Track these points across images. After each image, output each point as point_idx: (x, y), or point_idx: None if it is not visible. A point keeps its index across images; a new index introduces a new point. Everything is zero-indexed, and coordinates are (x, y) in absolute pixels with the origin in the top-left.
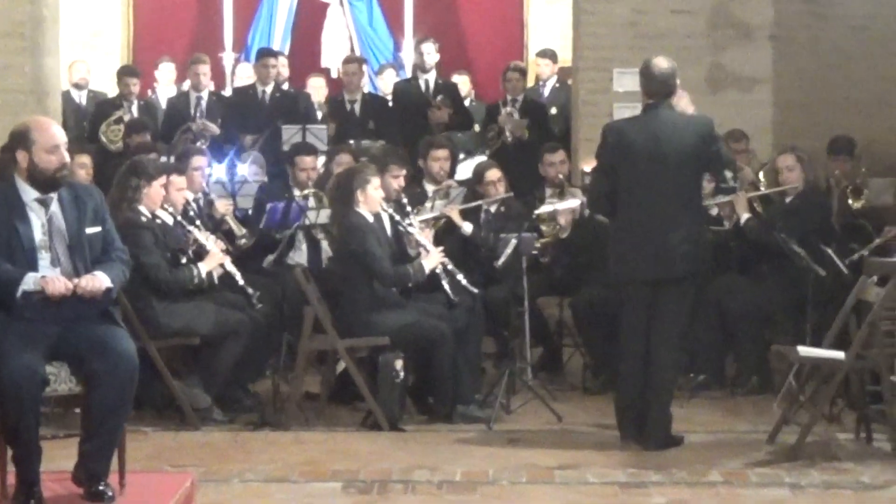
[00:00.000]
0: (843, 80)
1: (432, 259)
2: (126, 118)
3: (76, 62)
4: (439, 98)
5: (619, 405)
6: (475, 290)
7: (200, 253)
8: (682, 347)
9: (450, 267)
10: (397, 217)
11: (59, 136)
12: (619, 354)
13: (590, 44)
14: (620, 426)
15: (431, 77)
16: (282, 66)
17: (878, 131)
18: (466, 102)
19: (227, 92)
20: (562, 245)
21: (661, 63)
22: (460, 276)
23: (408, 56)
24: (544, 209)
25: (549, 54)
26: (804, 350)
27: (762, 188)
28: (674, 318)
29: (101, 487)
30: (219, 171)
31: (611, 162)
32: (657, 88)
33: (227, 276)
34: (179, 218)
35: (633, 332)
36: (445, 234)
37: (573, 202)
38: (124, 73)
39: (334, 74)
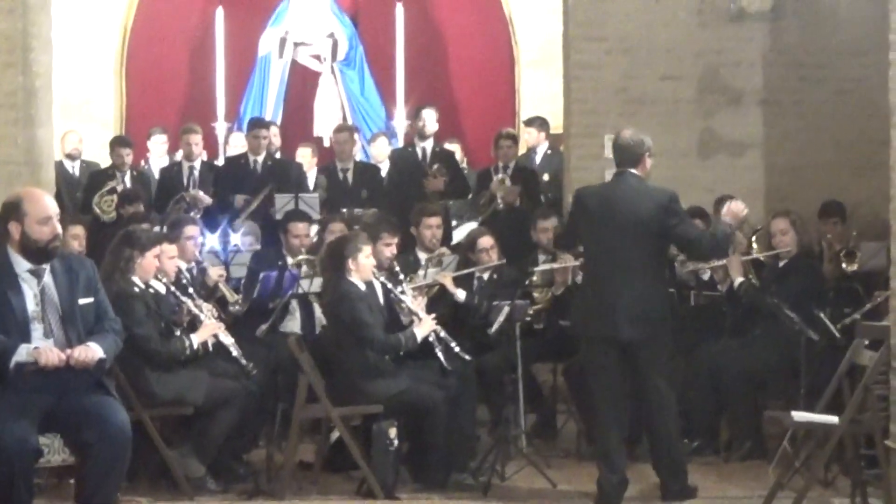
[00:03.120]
0: (831, 143)
1: (425, 327)
2: (119, 188)
3: (68, 133)
4: (435, 167)
5: (601, 476)
6: (468, 358)
7: (194, 323)
8: (673, 407)
9: (443, 335)
10: (389, 285)
11: (51, 207)
12: (595, 422)
13: (580, 110)
14: (600, 495)
15: (429, 145)
16: (273, 136)
17: (866, 194)
18: None
19: (221, 161)
20: (555, 307)
21: (625, 134)
22: (453, 344)
23: (400, 124)
24: (542, 267)
25: (535, 122)
26: (798, 415)
27: (755, 253)
28: (646, 379)
29: None
30: (211, 240)
31: (576, 223)
32: (619, 157)
33: (221, 346)
34: (172, 288)
35: (602, 393)
36: (438, 301)
37: (570, 261)
38: (117, 144)
39: (327, 143)
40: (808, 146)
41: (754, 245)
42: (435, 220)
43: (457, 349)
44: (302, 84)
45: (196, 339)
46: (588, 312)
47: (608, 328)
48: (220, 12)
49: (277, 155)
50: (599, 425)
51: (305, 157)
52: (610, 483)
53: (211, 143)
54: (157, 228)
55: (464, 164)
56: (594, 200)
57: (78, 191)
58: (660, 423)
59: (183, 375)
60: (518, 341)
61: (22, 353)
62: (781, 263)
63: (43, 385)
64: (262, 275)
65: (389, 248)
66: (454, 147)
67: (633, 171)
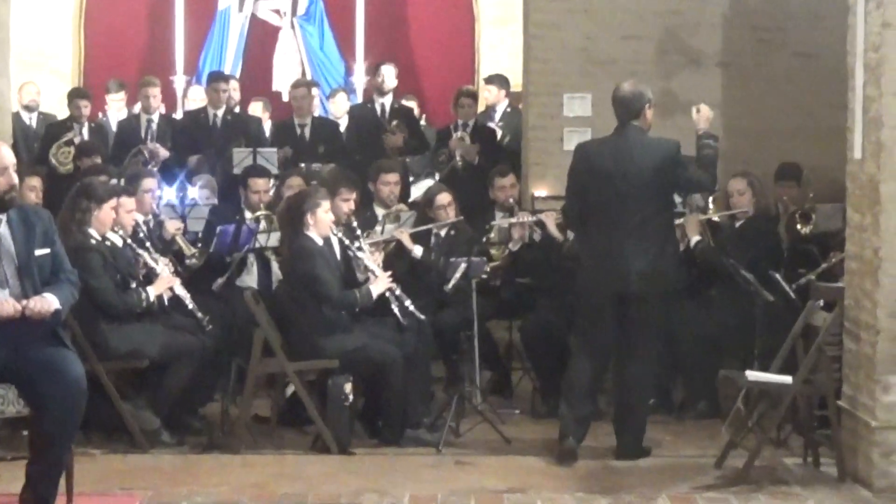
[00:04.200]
0: (790, 106)
1: (380, 284)
2: (76, 140)
3: (26, 84)
4: (394, 123)
5: (567, 422)
6: (422, 317)
7: (150, 276)
8: (656, 365)
9: (398, 292)
10: (346, 241)
11: (8, 157)
12: (570, 370)
13: (540, 69)
14: (560, 449)
15: (387, 101)
16: (233, 90)
17: (823, 158)
18: None
19: (179, 115)
20: (511, 265)
21: (625, 86)
22: (408, 303)
23: (359, 80)
24: (499, 222)
25: (495, 80)
26: (752, 374)
27: (712, 213)
28: (642, 334)
29: None
30: (169, 193)
31: (577, 181)
32: (620, 111)
33: (176, 300)
34: (129, 241)
35: (588, 350)
36: (395, 257)
37: (527, 217)
38: (75, 96)
39: (286, 98)
40: (766, 109)
41: (711, 206)
42: (393, 177)
43: (411, 308)
44: (261, 38)
45: (152, 291)
46: (598, 268)
47: (621, 284)
48: None
49: (237, 109)
50: (576, 380)
51: (257, 111)
52: (569, 425)
53: (169, 97)
54: (114, 181)
55: (422, 121)
56: (599, 155)
57: (35, 142)
58: (638, 379)
59: (138, 328)
60: (474, 298)
61: None
62: (738, 224)
63: None
64: (219, 229)
65: (347, 204)
66: (411, 103)
67: (636, 123)
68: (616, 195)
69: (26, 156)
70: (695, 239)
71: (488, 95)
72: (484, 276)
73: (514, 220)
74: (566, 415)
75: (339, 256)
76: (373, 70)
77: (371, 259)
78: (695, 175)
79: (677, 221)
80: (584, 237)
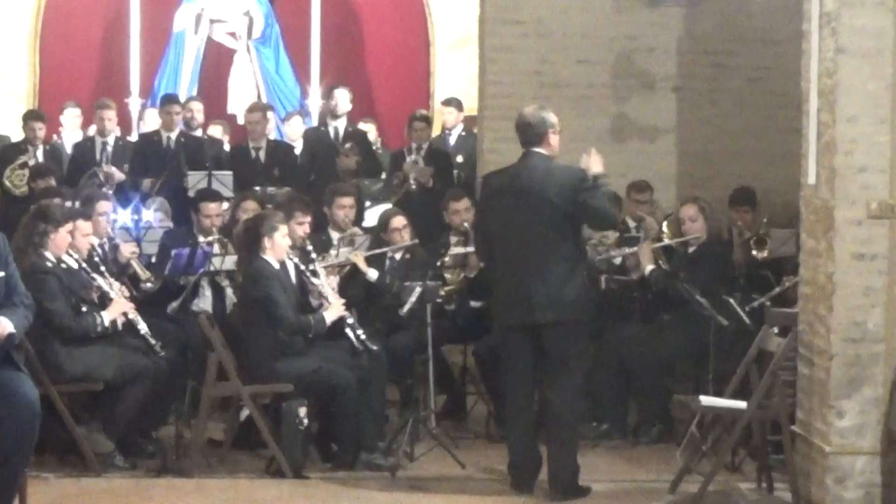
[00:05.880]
0: (743, 130)
1: (333, 311)
2: (31, 163)
3: None
4: (347, 146)
5: (511, 460)
6: (374, 347)
7: (104, 300)
8: (579, 395)
9: (350, 321)
10: (302, 267)
11: None
12: (506, 409)
13: (494, 92)
14: (512, 479)
15: (341, 124)
16: (197, 112)
17: (775, 181)
18: None
19: (134, 137)
20: (466, 289)
21: (526, 112)
22: (360, 332)
23: (314, 103)
24: (454, 251)
25: (453, 103)
26: (706, 399)
27: (665, 239)
28: (561, 366)
29: None
30: (124, 216)
31: (483, 211)
32: (522, 137)
33: (130, 323)
34: (84, 264)
35: (514, 380)
36: (350, 280)
37: None
38: (29, 118)
39: (241, 121)
40: (720, 133)
41: (665, 230)
42: (348, 200)
43: (363, 337)
44: (217, 61)
45: (106, 316)
46: (504, 299)
47: (524, 315)
48: None
49: (199, 131)
50: (511, 411)
51: (216, 134)
52: (521, 468)
53: (124, 119)
54: (68, 204)
55: (378, 145)
56: (501, 183)
57: None
58: (560, 413)
59: (93, 351)
60: (429, 322)
61: None
62: (691, 250)
63: None
64: (173, 252)
65: (302, 227)
66: (369, 127)
67: (538, 150)
68: (518, 224)
69: None
70: (649, 268)
71: (448, 118)
72: (439, 300)
73: (469, 249)
74: (518, 464)
75: (294, 281)
76: (327, 94)
77: (326, 284)
78: (601, 207)
79: (631, 250)
80: (493, 268)
